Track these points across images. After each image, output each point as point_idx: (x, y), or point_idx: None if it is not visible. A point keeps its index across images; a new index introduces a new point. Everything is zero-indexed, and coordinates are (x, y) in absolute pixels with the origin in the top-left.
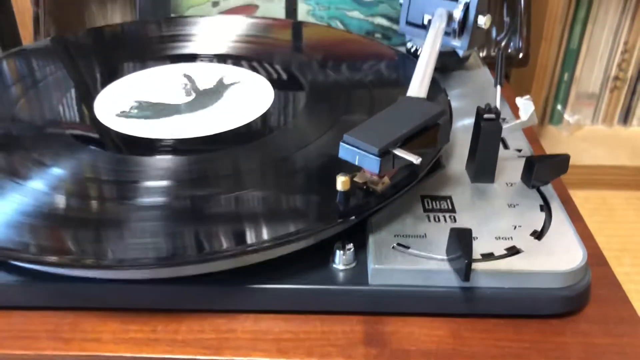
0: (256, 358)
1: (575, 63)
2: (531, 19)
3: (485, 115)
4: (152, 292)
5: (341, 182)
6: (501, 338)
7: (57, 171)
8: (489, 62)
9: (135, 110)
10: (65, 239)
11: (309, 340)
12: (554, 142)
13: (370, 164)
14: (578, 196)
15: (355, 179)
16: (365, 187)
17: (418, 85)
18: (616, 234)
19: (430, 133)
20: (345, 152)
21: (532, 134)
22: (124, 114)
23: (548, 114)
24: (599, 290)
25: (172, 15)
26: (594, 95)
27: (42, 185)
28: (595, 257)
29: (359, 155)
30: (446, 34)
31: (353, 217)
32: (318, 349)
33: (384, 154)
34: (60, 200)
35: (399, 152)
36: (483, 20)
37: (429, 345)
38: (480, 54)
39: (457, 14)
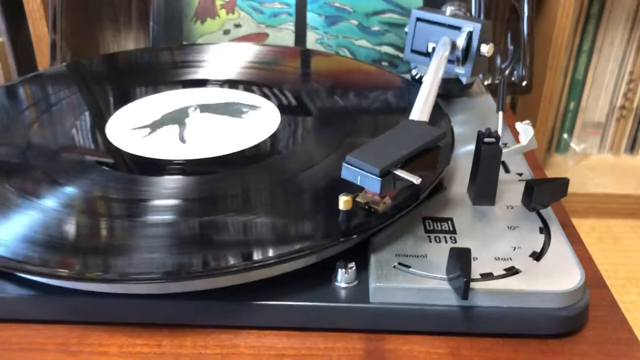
0: None
1: (581, 92)
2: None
3: (486, 139)
4: (158, 307)
5: (343, 201)
6: (500, 357)
7: (69, 190)
8: (494, 89)
9: (149, 129)
10: (75, 253)
11: (311, 356)
12: (561, 170)
13: (371, 184)
14: (584, 225)
15: (358, 199)
16: (367, 207)
17: (420, 110)
18: (622, 262)
19: (430, 155)
20: (348, 172)
21: (534, 160)
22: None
23: (555, 143)
24: (598, 312)
25: (185, 43)
26: (600, 124)
27: (53, 203)
28: (594, 279)
29: (361, 176)
30: (450, 61)
31: (354, 236)
32: None
33: (385, 174)
34: (71, 217)
35: (400, 173)
36: (486, 49)
37: None
38: (485, 82)
39: (461, 42)
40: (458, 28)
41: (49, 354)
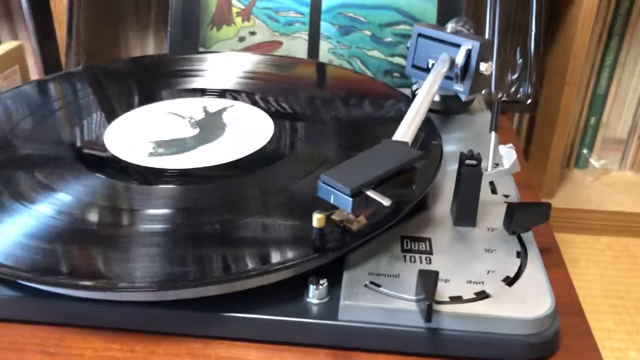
0: None
1: (602, 108)
2: (553, 64)
3: (467, 161)
4: (133, 313)
5: (316, 219)
6: None
7: (61, 196)
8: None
9: (160, 149)
10: (58, 259)
11: None
12: (578, 186)
13: (343, 203)
14: (600, 242)
15: (333, 217)
16: (342, 225)
17: (405, 130)
18: (637, 283)
19: (406, 177)
20: (322, 191)
21: (528, 179)
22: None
23: (574, 158)
24: (570, 340)
25: (201, 49)
26: (621, 140)
27: (46, 209)
28: (570, 305)
29: (334, 195)
30: (450, 78)
31: (325, 253)
32: None
33: (357, 194)
34: (61, 224)
35: (371, 194)
36: (485, 67)
37: None
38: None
39: (459, 59)
40: (458, 45)
41: (28, 354)
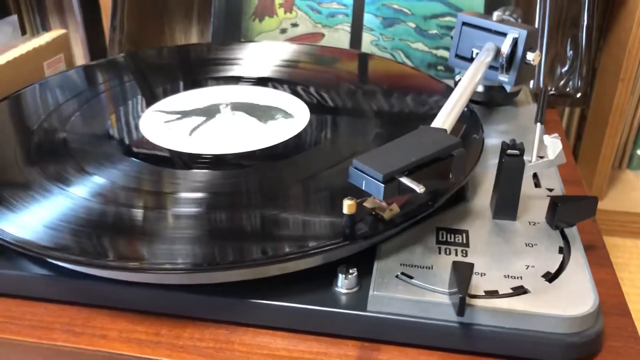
0: None
1: None
2: (607, 59)
3: (509, 151)
4: (161, 296)
5: (347, 205)
6: None
7: (95, 178)
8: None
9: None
10: (90, 239)
11: (302, 359)
12: (630, 188)
13: (375, 189)
14: None
15: (365, 204)
16: (373, 212)
17: (444, 117)
18: None
19: (442, 164)
20: (354, 176)
21: (574, 174)
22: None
23: (626, 159)
24: (614, 342)
25: (242, 40)
26: None
27: (81, 191)
28: (616, 306)
29: (366, 181)
30: (494, 68)
31: (355, 241)
32: None
33: (389, 180)
34: (93, 205)
35: (404, 180)
36: (532, 57)
37: None
38: (549, 87)
39: (505, 48)
40: (504, 34)
41: (55, 333)
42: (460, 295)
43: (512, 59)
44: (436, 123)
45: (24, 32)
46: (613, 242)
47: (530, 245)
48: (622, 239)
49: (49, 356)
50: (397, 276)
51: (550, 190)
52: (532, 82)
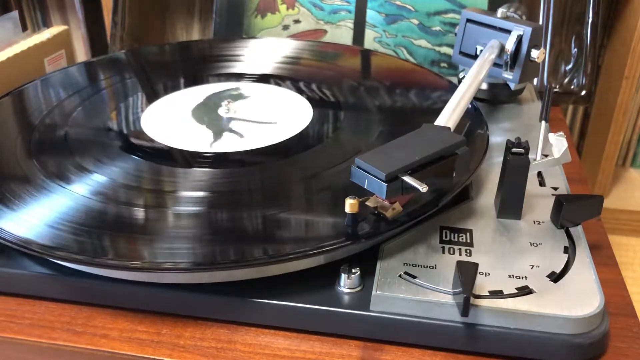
0: None
1: None
2: (611, 56)
3: (514, 149)
4: (162, 295)
5: (349, 204)
6: None
7: (96, 176)
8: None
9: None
10: (91, 238)
11: (304, 359)
12: (633, 185)
13: (378, 188)
14: None
15: (367, 203)
16: (376, 212)
17: (448, 115)
18: None
19: (446, 163)
20: (356, 175)
21: (579, 172)
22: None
23: (630, 157)
24: (619, 343)
25: (244, 36)
26: None
27: (81, 189)
28: (622, 306)
29: (368, 180)
30: (498, 65)
31: (349, 241)
32: None
33: (391, 179)
34: (95, 204)
35: (407, 179)
36: (536, 54)
37: None
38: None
39: (509, 45)
40: (508, 31)
41: (56, 332)
42: (465, 296)
43: (516, 56)
44: (440, 120)
45: (25, 28)
46: (616, 240)
47: (535, 244)
48: (625, 238)
49: (50, 355)
50: (400, 276)
51: (555, 189)
52: (535, 79)
